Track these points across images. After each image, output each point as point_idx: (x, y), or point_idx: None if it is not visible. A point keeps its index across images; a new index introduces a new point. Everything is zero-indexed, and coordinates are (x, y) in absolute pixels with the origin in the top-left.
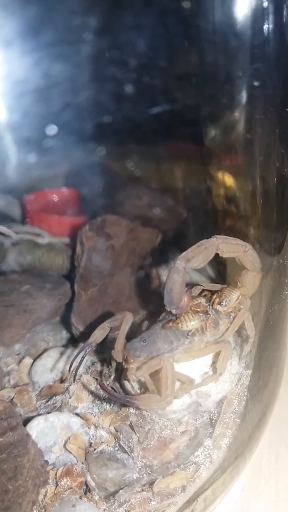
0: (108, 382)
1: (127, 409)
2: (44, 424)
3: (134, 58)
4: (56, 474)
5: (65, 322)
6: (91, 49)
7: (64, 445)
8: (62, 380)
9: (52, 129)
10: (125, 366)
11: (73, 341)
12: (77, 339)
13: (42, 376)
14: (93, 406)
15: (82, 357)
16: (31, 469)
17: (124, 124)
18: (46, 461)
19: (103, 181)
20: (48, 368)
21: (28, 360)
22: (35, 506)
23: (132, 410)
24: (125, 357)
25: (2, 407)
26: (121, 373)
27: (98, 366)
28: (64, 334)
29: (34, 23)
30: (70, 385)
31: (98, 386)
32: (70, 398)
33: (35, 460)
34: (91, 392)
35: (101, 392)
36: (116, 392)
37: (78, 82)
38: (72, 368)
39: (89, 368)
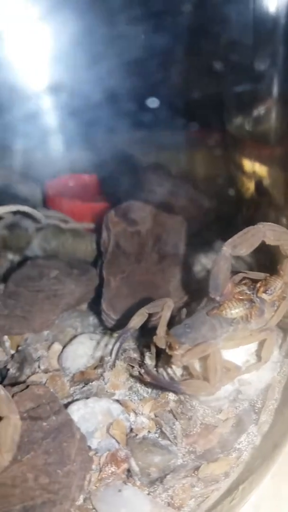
0: (142, 369)
1: (166, 396)
2: (84, 409)
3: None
4: (100, 460)
5: (92, 308)
6: None
7: (107, 431)
8: (95, 366)
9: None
10: (169, 353)
11: (101, 328)
12: (107, 325)
13: (73, 362)
14: (130, 393)
15: (121, 343)
16: (78, 454)
17: (145, 112)
18: (89, 447)
19: (123, 168)
20: (79, 354)
21: (57, 346)
22: (82, 491)
23: (171, 397)
24: (168, 343)
25: (42, 392)
26: (158, 360)
27: (131, 353)
28: (91, 321)
29: None
30: (104, 371)
31: (134, 373)
32: (106, 384)
33: (80, 445)
34: (127, 379)
35: (138, 379)
36: (160, 378)
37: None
38: (112, 354)
39: (122, 355)
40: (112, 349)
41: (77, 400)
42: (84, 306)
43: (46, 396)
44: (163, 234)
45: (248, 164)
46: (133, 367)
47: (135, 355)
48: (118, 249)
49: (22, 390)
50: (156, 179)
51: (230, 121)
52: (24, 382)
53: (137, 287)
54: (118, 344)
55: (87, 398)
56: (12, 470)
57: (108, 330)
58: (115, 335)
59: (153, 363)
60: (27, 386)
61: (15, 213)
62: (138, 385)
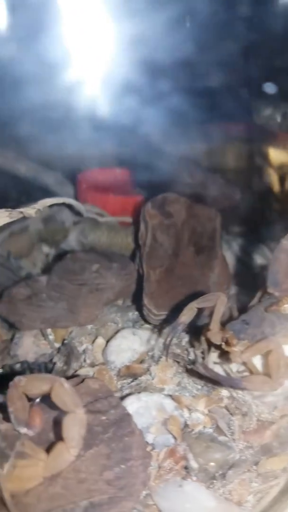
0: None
1: (220, 393)
2: (138, 404)
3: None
4: (158, 456)
5: (132, 303)
6: None
7: (163, 426)
8: (140, 361)
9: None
10: (226, 349)
11: (141, 322)
12: (148, 320)
13: (118, 356)
14: (179, 388)
15: (172, 337)
16: (139, 449)
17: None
18: (146, 442)
19: (153, 160)
20: (123, 348)
21: (100, 340)
22: (145, 488)
23: (224, 394)
24: (224, 339)
25: (98, 386)
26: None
27: (174, 348)
28: (131, 316)
29: None
30: (150, 366)
31: (180, 369)
32: (153, 379)
33: (140, 440)
34: (174, 374)
35: (186, 374)
36: (220, 374)
37: None
38: (164, 348)
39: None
40: (164, 343)
41: (127, 394)
42: (120, 301)
43: (102, 390)
44: (198, 227)
45: (280, 156)
46: (178, 362)
47: (179, 350)
48: (156, 242)
49: (78, 384)
50: (187, 171)
51: (260, 113)
52: (73, 376)
53: (176, 282)
54: (169, 339)
55: (137, 392)
56: (75, 465)
57: (149, 325)
58: (156, 329)
59: (207, 359)
60: (83, 380)
61: (50, 206)
62: (185, 380)
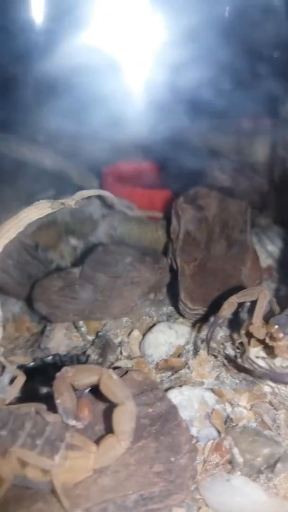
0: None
1: (262, 387)
2: (180, 397)
3: None
4: (203, 449)
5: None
6: None
7: (206, 420)
8: (178, 355)
9: None
10: (271, 344)
11: (175, 317)
12: (184, 315)
13: (155, 350)
14: (218, 382)
15: (213, 331)
16: (186, 443)
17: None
18: (191, 435)
19: (183, 154)
20: (160, 342)
21: (136, 333)
22: (194, 481)
23: (267, 389)
24: (268, 334)
25: (142, 378)
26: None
27: (211, 343)
28: (165, 310)
29: None
30: (188, 360)
31: (216, 363)
32: (192, 373)
33: (187, 433)
34: (212, 368)
35: (224, 368)
36: (267, 369)
37: None
38: (206, 343)
39: (201, 344)
40: (206, 338)
41: (168, 388)
42: (153, 295)
43: (146, 383)
44: (229, 220)
45: None
46: (216, 356)
47: (215, 344)
48: (188, 236)
49: (121, 376)
50: (217, 164)
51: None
52: (111, 368)
53: (209, 276)
54: (210, 333)
55: (178, 386)
56: (124, 458)
57: (183, 319)
58: (192, 324)
59: (248, 353)
60: (126, 372)
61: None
62: (224, 374)
